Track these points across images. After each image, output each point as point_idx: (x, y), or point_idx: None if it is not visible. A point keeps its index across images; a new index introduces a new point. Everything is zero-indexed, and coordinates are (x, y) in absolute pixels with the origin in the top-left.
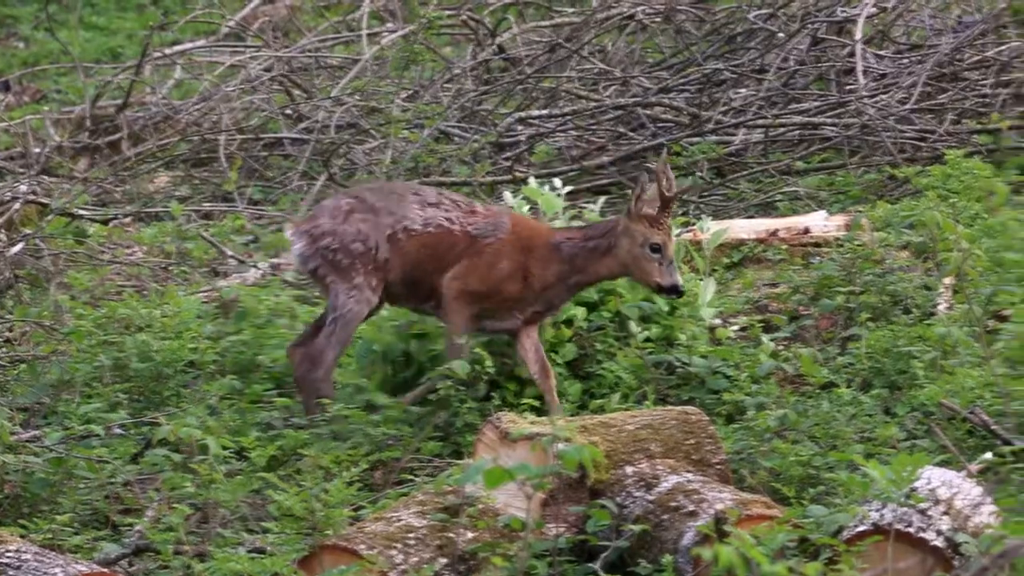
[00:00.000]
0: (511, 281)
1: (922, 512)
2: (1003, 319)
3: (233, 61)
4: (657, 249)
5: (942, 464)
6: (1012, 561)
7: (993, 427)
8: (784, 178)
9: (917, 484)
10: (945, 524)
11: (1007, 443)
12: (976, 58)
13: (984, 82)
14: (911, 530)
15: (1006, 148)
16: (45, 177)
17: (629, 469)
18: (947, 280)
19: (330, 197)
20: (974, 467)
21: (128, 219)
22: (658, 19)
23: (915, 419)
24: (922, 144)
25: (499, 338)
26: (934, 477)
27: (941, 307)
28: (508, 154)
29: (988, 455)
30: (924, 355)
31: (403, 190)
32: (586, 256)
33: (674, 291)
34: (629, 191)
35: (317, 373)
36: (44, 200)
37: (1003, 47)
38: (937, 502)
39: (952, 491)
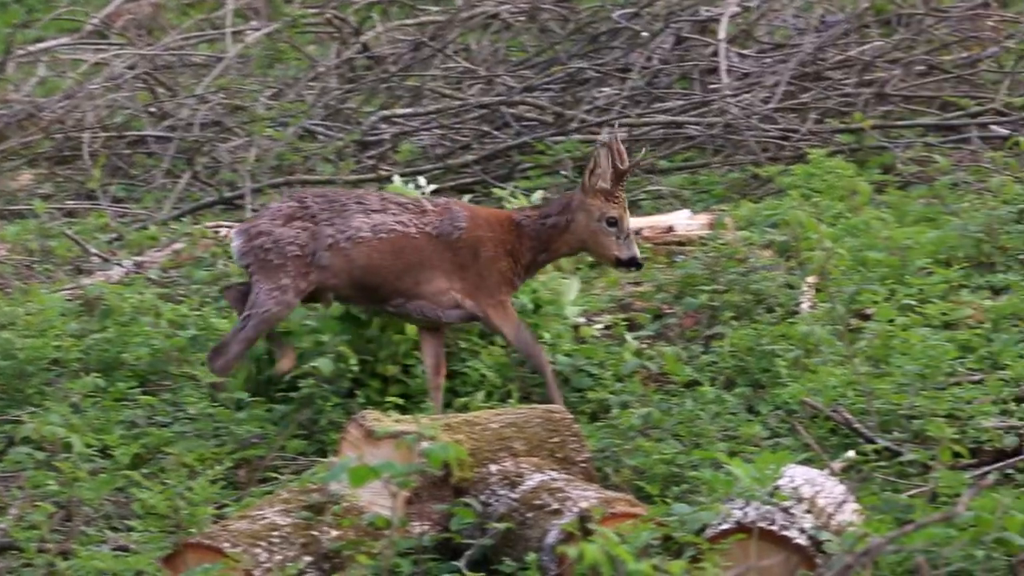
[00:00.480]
0: (499, 260)
1: (785, 510)
2: (865, 318)
3: (97, 59)
4: (614, 223)
5: (805, 462)
6: (875, 559)
7: (856, 425)
8: (648, 177)
9: (780, 482)
10: (808, 522)
11: (870, 441)
12: (839, 57)
13: (847, 81)
14: (774, 528)
15: (868, 147)
16: None
17: (493, 467)
18: (810, 279)
19: (276, 200)
20: (837, 465)
21: None
22: (522, 18)
23: (778, 417)
24: (785, 143)
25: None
26: (797, 475)
27: (804, 306)
28: (372, 152)
29: (851, 453)
30: (787, 353)
31: (346, 199)
32: (547, 234)
33: (633, 263)
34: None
35: (216, 364)
36: None
37: (865, 47)
38: (800, 500)
39: (815, 489)
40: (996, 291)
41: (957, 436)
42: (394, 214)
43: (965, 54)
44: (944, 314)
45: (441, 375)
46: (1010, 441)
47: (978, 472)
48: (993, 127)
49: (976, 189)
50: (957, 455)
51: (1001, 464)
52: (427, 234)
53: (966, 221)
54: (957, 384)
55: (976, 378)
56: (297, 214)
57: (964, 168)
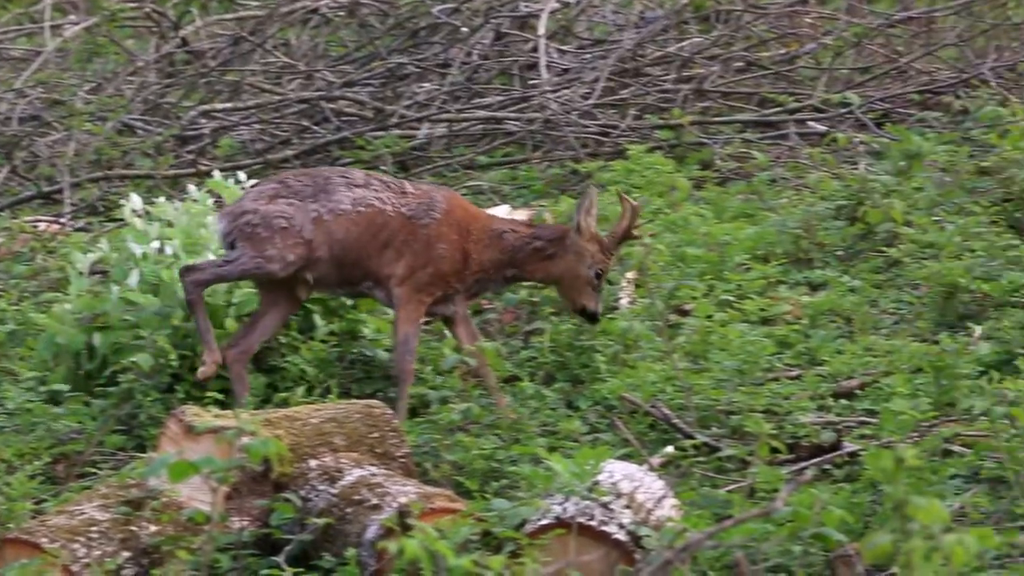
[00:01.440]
0: (448, 261)
1: (605, 506)
2: (684, 313)
3: None
4: (599, 276)
5: (624, 458)
6: (694, 554)
7: (674, 421)
8: (468, 172)
9: (600, 478)
10: (627, 517)
11: (688, 437)
12: (658, 54)
13: (666, 78)
14: (594, 523)
15: (687, 144)
16: None
17: (313, 463)
18: (629, 274)
19: (257, 183)
20: (656, 461)
21: None
22: (342, 13)
23: (597, 413)
24: (605, 139)
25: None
26: (616, 471)
27: (623, 301)
28: (192, 147)
29: (669, 449)
30: (606, 349)
31: (329, 173)
32: (528, 254)
33: (595, 319)
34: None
35: (187, 279)
36: None
37: (684, 43)
38: (619, 496)
39: (634, 484)
40: (814, 287)
41: (775, 432)
42: (375, 190)
43: (783, 51)
44: (762, 310)
45: (484, 358)
46: (827, 437)
47: (796, 468)
48: (811, 123)
49: (794, 185)
50: (775, 451)
51: (818, 460)
52: (400, 213)
53: (784, 217)
54: (775, 380)
55: (794, 374)
56: (281, 193)
57: (782, 164)
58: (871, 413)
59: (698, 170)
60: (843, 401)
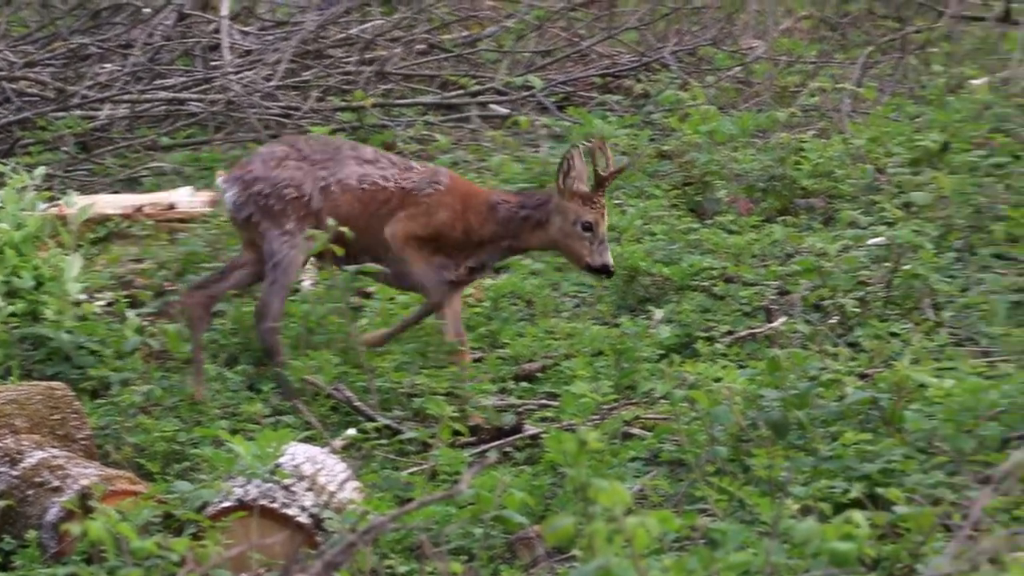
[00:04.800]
0: (451, 228)
1: (287, 488)
2: (367, 296)
3: None
4: (589, 228)
5: (307, 440)
6: (377, 537)
7: (356, 403)
8: (150, 154)
9: (282, 460)
10: (310, 500)
11: (370, 419)
12: (340, 36)
13: (348, 60)
14: (276, 506)
15: (370, 125)
16: None
17: None
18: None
19: (264, 145)
20: (338, 443)
21: None
22: None
23: (280, 395)
24: (287, 121)
25: None
26: (299, 453)
27: (306, 284)
28: None
29: (352, 431)
30: (289, 332)
31: (339, 144)
32: (519, 224)
33: (604, 271)
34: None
35: (264, 324)
36: None
37: (367, 25)
38: (302, 478)
39: (317, 467)
40: (496, 270)
41: (457, 414)
42: (382, 167)
43: (465, 33)
44: None
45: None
46: (508, 419)
47: (477, 450)
48: (492, 106)
49: (476, 168)
50: (457, 433)
51: (500, 442)
52: (401, 188)
53: None
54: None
55: (476, 356)
56: (291, 156)
57: (464, 147)
58: (552, 396)
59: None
60: (524, 384)
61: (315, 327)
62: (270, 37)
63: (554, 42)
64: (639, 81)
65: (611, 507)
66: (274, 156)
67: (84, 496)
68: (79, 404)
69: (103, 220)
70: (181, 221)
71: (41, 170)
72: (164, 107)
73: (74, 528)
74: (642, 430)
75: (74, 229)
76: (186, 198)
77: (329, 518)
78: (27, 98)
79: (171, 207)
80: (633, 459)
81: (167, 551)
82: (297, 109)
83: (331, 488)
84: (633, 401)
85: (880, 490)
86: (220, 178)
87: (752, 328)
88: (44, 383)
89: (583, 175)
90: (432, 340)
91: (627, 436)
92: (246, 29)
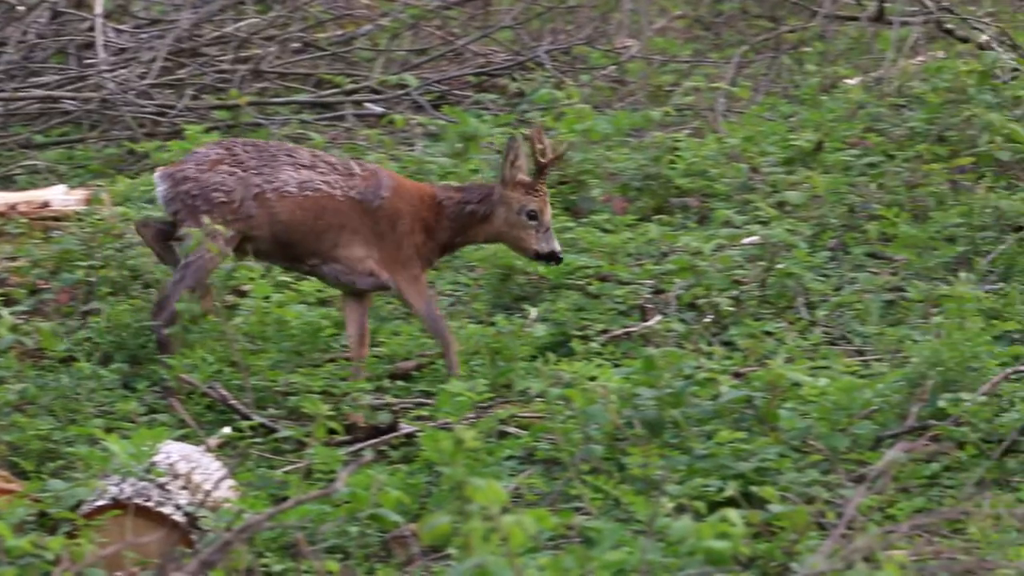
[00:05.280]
0: (415, 234)
1: (162, 487)
2: (242, 294)
3: None
4: (534, 216)
5: (182, 439)
6: (252, 535)
7: (232, 402)
8: (24, 152)
9: (157, 459)
10: (185, 499)
11: (246, 418)
12: (215, 34)
13: (223, 58)
14: (151, 505)
15: (245, 124)
16: None
17: None
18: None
19: (203, 145)
20: (213, 442)
21: None
22: None
23: (155, 393)
24: (162, 119)
25: None
26: (174, 452)
27: None
28: None
29: (227, 430)
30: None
31: (276, 150)
32: (464, 219)
33: (553, 257)
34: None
35: (160, 318)
36: None
37: (241, 23)
38: (177, 477)
39: (192, 465)
40: None
41: (332, 413)
42: (322, 172)
43: (340, 32)
44: (320, 291)
45: (365, 347)
46: (384, 418)
47: (353, 449)
48: (368, 105)
49: None
50: (332, 432)
51: (376, 441)
52: (350, 198)
53: None
54: (332, 361)
55: (349, 355)
56: (225, 160)
57: (339, 145)
58: (428, 394)
59: None
60: (400, 382)
61: (191, 325)
62: (145, 35)
63: (429, 40)
64: (514, 80)
65: (487, 506)
66: (208, 158)
67: None
68: None
69: None
70: (55, 219)
71: None
72: (38, 105)
73: None
74: (518, 429)
75: None
76: (60, 196)
77: (204, 517)
78: None
79: (45, 205)
80: (509, 458)
81: (42, 550)
82: (172, 107)
83: (206, 487)
84: (509, 400)
85: (755, 488)
86: (156, 173)
87: (627, 327)
88: None
89: (526, 166)
90: (306, 339)
91: (503, 435)
92: (121, 27)
